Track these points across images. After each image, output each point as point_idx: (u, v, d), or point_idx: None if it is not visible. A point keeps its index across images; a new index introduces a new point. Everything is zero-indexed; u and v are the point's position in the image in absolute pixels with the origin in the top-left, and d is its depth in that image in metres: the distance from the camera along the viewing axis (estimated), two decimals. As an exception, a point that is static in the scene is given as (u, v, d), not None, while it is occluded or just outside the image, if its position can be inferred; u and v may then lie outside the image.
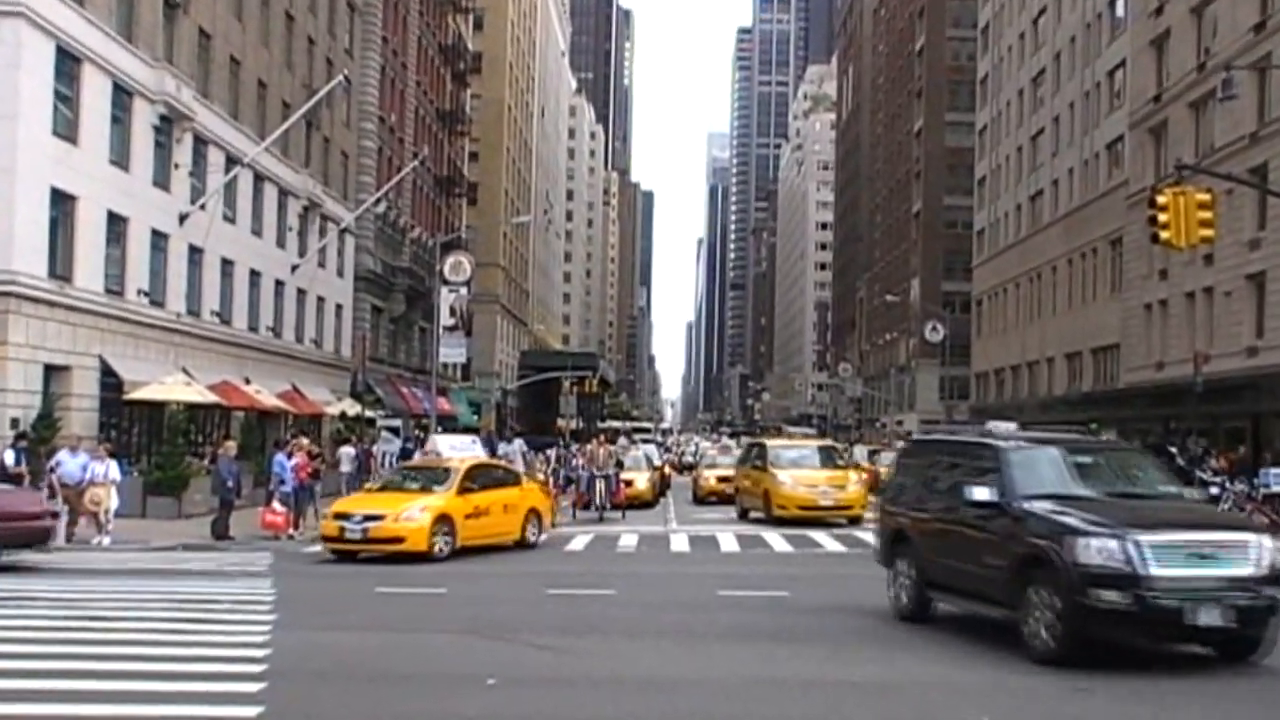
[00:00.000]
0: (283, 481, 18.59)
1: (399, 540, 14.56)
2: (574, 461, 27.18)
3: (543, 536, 17.08)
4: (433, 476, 16.23)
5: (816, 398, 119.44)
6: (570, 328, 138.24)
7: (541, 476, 21.71)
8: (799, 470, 21.54)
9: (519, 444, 26.54)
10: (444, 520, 15.04)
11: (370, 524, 14.71)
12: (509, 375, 75.26)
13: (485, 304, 68.52)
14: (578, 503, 22.51)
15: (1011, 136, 56.19)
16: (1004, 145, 57.45)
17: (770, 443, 24.65)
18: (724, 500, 25.42)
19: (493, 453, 27.39)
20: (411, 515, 14.80)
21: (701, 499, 26.69)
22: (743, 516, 22.21)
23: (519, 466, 23.23)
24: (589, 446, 24.21)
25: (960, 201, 67.56)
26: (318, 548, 16.90)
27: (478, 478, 16.31)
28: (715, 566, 14.97)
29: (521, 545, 16.46)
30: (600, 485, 21.87)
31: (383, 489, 16.30)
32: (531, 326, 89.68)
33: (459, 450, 18.65)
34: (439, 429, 37.54)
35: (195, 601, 11.00)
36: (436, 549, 14.79)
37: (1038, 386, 50.48)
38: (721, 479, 26.56)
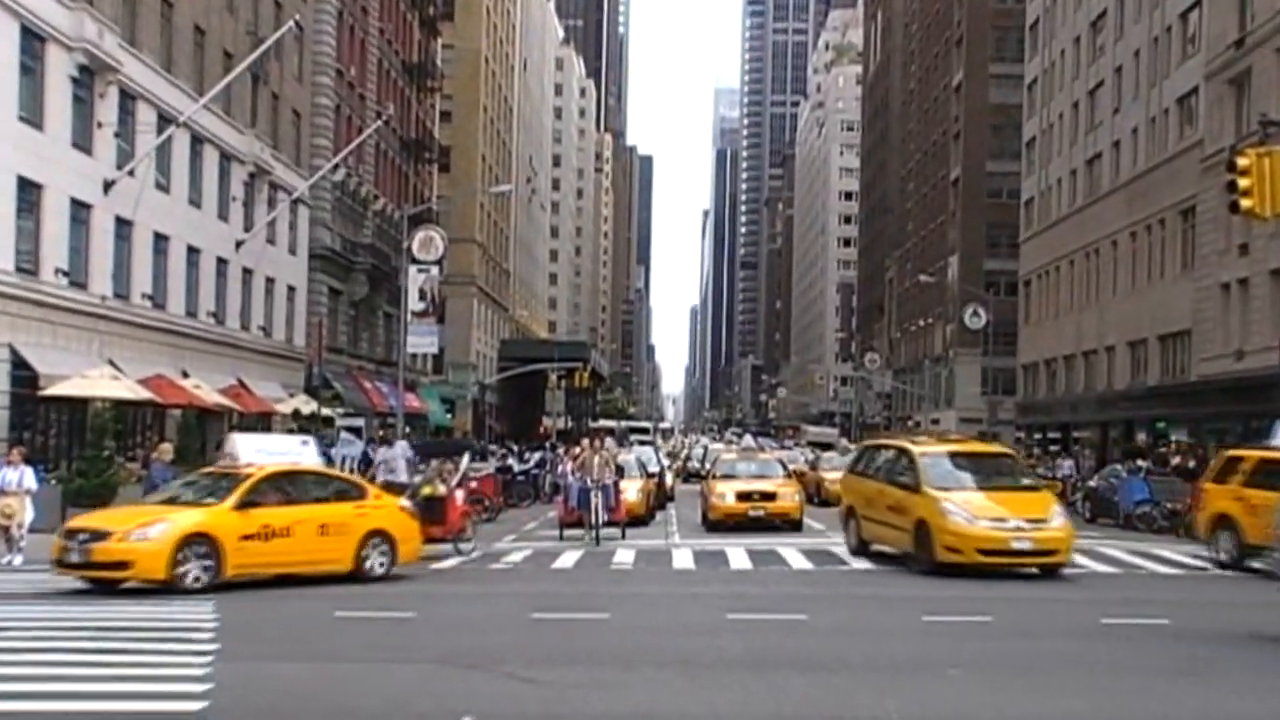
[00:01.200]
0: None
1: (125, 565, 13.15)
2: (560, 468, 26.76)
3: (398, 567, 15.20)
4: (216, 486, 14.59)
5: (840, 393, 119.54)
6: (557, 313, 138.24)
7: (444, 489, 18.51)
8: (972, 494, 15.80)
9: (401, 447, 22.22)
10: (199, 541, 13.40)
11: (94, 544, 13.18)
12: (487, 368, 75.24)
13: (460, 286, 68.38)
14: (565, 519, 21.15)
15: (1066, 91, 56.05)
16: (1057, 101, 57.31)
17: (919, 448, 17.19)
18: (746, 526, 21.99)
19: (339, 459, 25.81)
20: (146, 534, 13.21)
21: (715, 523, 22.64)
22: (860, 551, 17.74)
23: (401, 477, 20.32)
24: (580, 449, 22.03)
25: (1006, 167, 67.44)
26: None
27: (282, 489, 14.65)
28: (724, 586, 14.91)
29: (357, 577, 14.68)
30: (595, 499, 20.01)
31: (162, 502, 14.72)
32: (513, 312, 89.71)
33: (271, 455, 15.58)
34: (407, 430, 37.50)
35: (123, 629, 10.88)
36: (184, 577, 13.21)
37: (1095, 379, 50.45)
38: (743, 495, 22.65)
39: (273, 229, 38.76)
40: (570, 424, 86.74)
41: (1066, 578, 15.83)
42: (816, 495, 31.32)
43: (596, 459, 20.49)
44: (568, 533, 20.93)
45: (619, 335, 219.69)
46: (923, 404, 79.12)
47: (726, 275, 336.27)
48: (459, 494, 19.04)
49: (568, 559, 18.15)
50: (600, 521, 20.24)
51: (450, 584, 15.45)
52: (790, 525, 22.40)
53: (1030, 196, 61.57)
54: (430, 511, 17.75)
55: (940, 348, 77.21)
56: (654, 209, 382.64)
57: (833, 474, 30.42)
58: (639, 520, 23.57)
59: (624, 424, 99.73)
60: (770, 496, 22.78)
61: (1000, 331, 61.46)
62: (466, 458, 20.84)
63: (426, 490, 18.63)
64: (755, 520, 21.78)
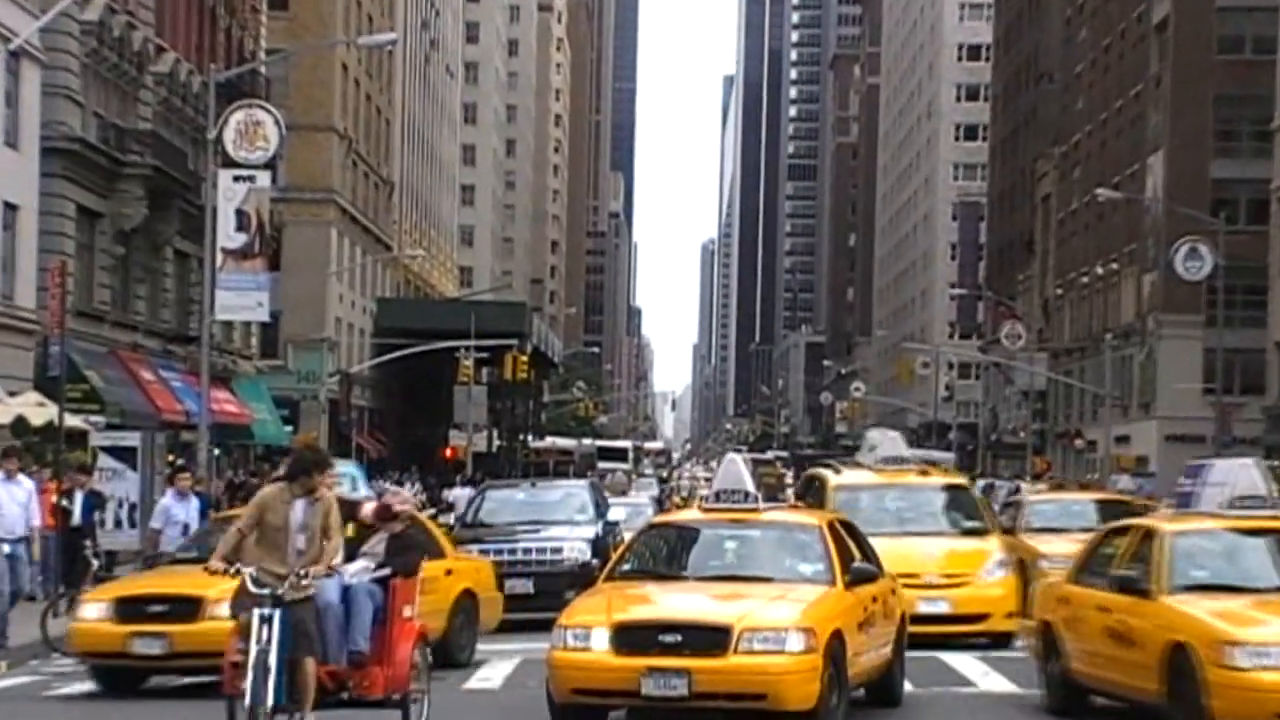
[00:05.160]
0: None
1: None
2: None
3: None
4: None
5: (957, 390, 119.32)
6: (475, 254, 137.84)
7: None
8: None
9: None
10: None
11: None
12: (356, 347, 74.63)
13: (309, 206, 67.81)
14: (230, 680, 14.13)
15: None
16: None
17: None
18: None
19: None
20: None
21: (563, 712, 15.09)
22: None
23: None
24: (275, 490, 14.21)
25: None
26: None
27: None
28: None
29: None
30: (259, 633, 13.19)
31: None
32: (400, 251, 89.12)
33: None
34: (214, 449, 36.70)
35: None
36: None
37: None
38: (636, 634, 14.72)
39: (-22, 104, 38.03)
40: (499, 443, 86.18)
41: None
42: None
43: (294, 512, 13.76)
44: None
45: (581, 292, 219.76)
46: (1099, 408, 78.75)
47: (764, 189, 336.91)
48: None
49: (493, 673, 18.16)
50: (270, 698, 13.21)
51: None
52: None
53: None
54: None
55: (1132, 313, 76.85)
56: (641, 75, 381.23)
57: None
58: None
59: (588, 442, 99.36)
60: (709, 644, 14.49)
61: (1238, 286, 61.09)
62: None
63: None
64: (662, 705, 14.65)
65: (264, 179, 38.15)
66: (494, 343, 71.82)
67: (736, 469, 17.33)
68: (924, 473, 25.16)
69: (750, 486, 16.91)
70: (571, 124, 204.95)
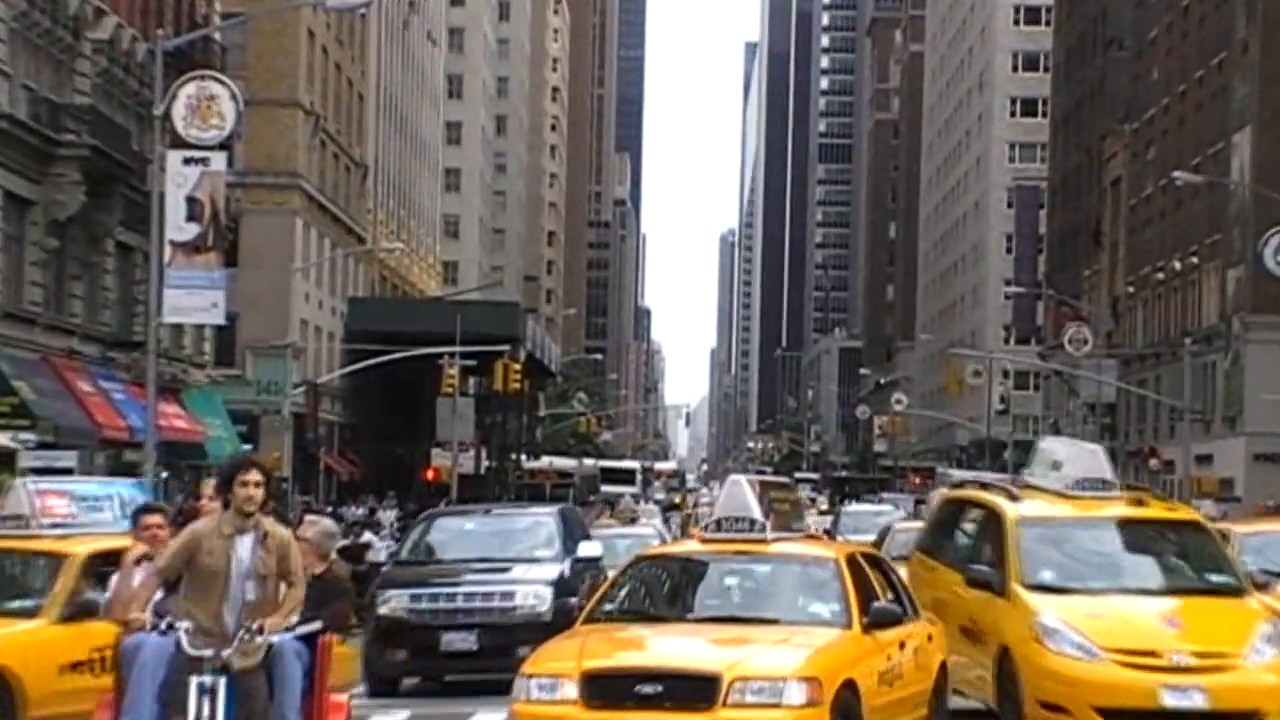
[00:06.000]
0: None
1: None
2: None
3: None
4: None
5: (1013, 402, 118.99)
6: (461, 246, 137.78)
7: None
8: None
9: None
10: None
11: None
12: (325, 354, 74.47)
13: (271, 193, 67.86)
14: None
15: None
16: None
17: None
18: None
19: None
20: None
21: None
22: None
23: None
24: (211, 522, 13.16)
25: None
26: None
27: None
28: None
29: None
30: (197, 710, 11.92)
31: None
32: (374, 244, 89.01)
33: None
34: (160, 474, 36.44)
35: None
36: None
37: None
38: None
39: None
40: (488, 463, 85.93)
41: None
42: None
43: (239, 551, 12.30)
44: None
45: (582, 291, 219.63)
46: (1177, 424, 78.63)
47: (791, 173, 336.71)
48: None
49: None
50: None
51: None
52: None
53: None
54: None
55: (1215, 314, 76.62)
56: (650, 42, 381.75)
57: None
58: None
59: (590, 463, 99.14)
60: (694, 695, 14.12)
61: (1336, 281, 60.79)
62: None
63: None
64: None
65: (219, 161, 37.92)
66: (483, 349, 71.65)
67: (741, 492, 16.95)
68: (1138, 502, 19.92)
69: (757, 513, 16.53)
70: (571, 99, 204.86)
